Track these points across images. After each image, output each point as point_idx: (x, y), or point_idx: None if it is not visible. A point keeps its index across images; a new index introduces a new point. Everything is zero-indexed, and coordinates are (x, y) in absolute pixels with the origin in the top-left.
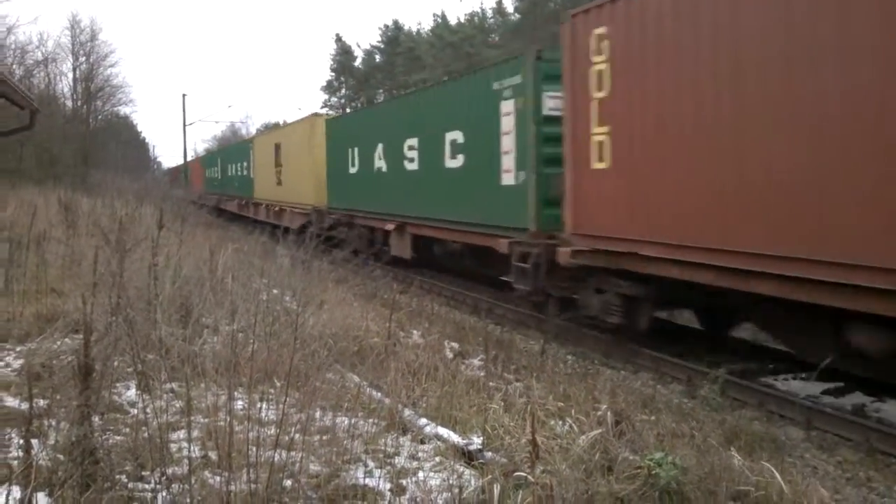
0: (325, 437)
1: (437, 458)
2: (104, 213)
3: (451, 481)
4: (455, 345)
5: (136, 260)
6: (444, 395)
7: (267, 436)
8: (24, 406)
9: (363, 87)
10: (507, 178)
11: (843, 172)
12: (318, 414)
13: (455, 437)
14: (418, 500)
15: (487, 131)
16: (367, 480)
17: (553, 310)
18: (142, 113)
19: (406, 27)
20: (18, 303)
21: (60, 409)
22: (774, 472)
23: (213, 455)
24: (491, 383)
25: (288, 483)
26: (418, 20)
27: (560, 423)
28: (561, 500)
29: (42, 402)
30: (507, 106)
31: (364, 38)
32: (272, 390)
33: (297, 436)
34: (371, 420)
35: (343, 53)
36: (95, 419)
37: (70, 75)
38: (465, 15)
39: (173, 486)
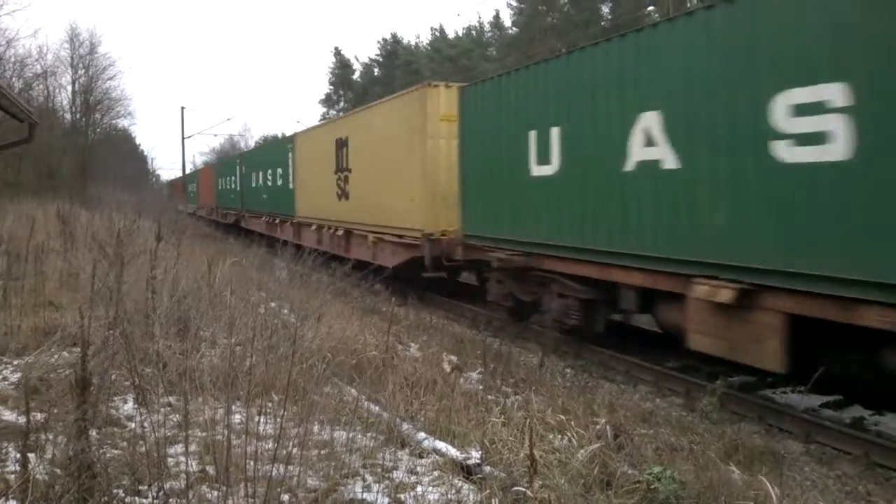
0: (323, 452)
1: (436, 473)
2: (102, 226)
3: (449, 496)
4: (453, 358)
5: (133, 273)
6: (443, 409)
7: (265, 450)
8: (22, 420)
9: (361, 100)
10: None
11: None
12: (316, 428)
13: (453, 452)
14: None
15: None
16: (366, 495)
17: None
18: (140, 125)
19: (404, 40)
20: (16, 316)
21: (58, 422)
22: (771, 487)
23: (210, 469)
24: (489, 397)
25: (286, 497)
26: (416, 33)
27: (559, 436)
28: None
29: (39, 416)
30: None
31: (363, 52)
32: (270, 404)
33: (294, 450)
34: (369, 434)
35: (342, 66)
36: (93, 433)
37: (69, 88)
38: (463, 28)
39: (171, 500)
